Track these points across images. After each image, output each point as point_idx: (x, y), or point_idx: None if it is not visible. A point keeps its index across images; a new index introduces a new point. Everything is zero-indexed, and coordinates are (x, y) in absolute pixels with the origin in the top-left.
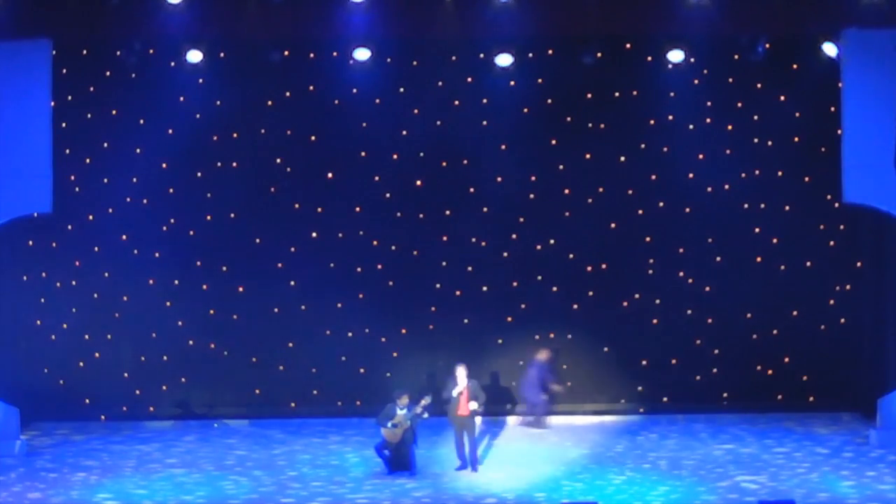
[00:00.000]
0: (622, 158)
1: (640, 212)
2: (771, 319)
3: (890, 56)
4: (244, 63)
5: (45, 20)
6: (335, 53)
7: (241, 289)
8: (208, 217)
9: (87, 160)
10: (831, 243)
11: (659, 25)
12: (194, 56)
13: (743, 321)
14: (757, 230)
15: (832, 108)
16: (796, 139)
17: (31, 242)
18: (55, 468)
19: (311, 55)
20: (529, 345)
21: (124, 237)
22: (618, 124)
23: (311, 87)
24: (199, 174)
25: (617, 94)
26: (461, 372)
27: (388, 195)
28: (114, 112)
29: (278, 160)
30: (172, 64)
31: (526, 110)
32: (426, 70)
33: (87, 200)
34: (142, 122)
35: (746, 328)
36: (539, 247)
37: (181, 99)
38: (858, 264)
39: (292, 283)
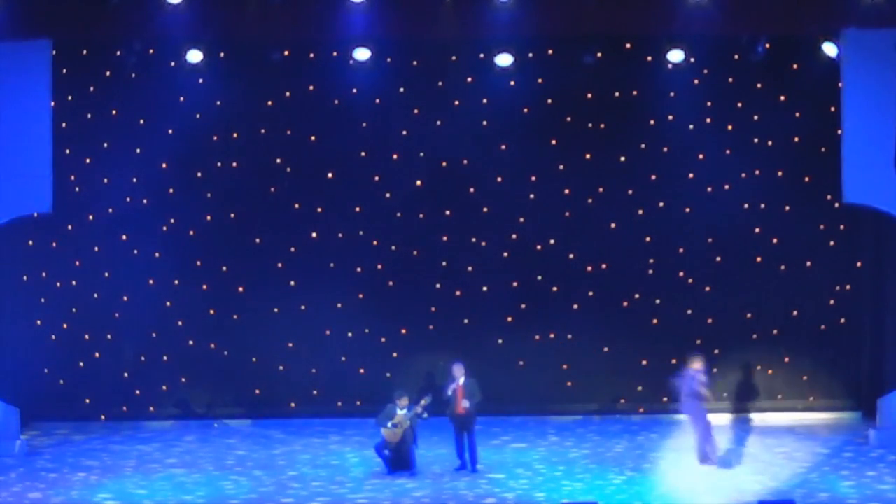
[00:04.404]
0: (622, 158)
1: (640, 212)
2: (771, 319)
3: (890, 56)
4: (244, 63)
5: (45, 20)
6: (335, 53)
7: (241, 289)
8: (208, 217)
9: (87, 160)
10: (831, 243)
11: (659, 25)
12: (194, 56)
13: (743, 321)
14: (757, 230)
15: (832, 108)
16: (796, 139)
17: (31, 242)
18: (55, 468)
19: (311, 55)
20: (530, 345)
21: (124, 237)
22: (618, 124)
23: (311, 87)
24: (199, 174)
25: (617, 94)
26: (458, 370)
27: (388, 195)
28: (114, 112)
29: (278, 160)
30: (172, 64)
31: (526, 110)
32: (426, 70)
33: (87, 200)
34: (142, 122)
35: (746, 328)
36: (539, 247)
37: (181, 99)
38: (858, 264)
39: (292, 283)
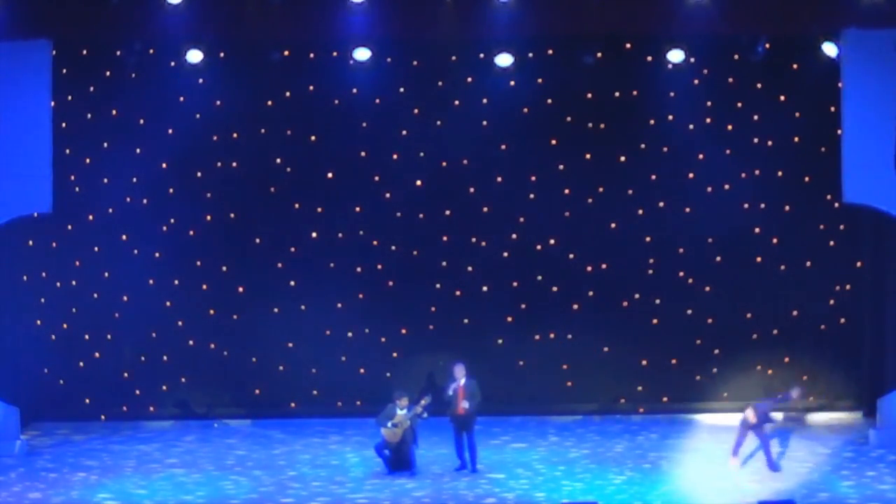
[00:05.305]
0: (622, 158)
1: (640, 212)
2: (771, 319)
3: (890, 56)
4: (244, 63)
5: (45, 20)
6: (335, 53)
7: (241, 289)
8: (208, 217)
9: (87, 160)
10: (831, 243)
11: (659, 25)
12: (194, 56)
13: (743, 321)
14: (757, 230)
15: (832, 108)
16: (796, 139)
17: (31, 242)
18: (55, 468)
19: (311, 55)
20: (530, 345)
21: (124, 237)
22: (618, 124)
23: (311, 87)
24: (199, 174)
25: (617, 94)
26: (459, 370)
27: (388, 195)
28: (114, 112)
29: (278, 160)
30: (172, 64)
31: (526, 110)
32: (426, 70)
33: (87, 200)
34: (142, 122)
35: (746, 328)
36: (539, 247)
37: (181, 99)
38: (858, 264)
39: (292, 283)
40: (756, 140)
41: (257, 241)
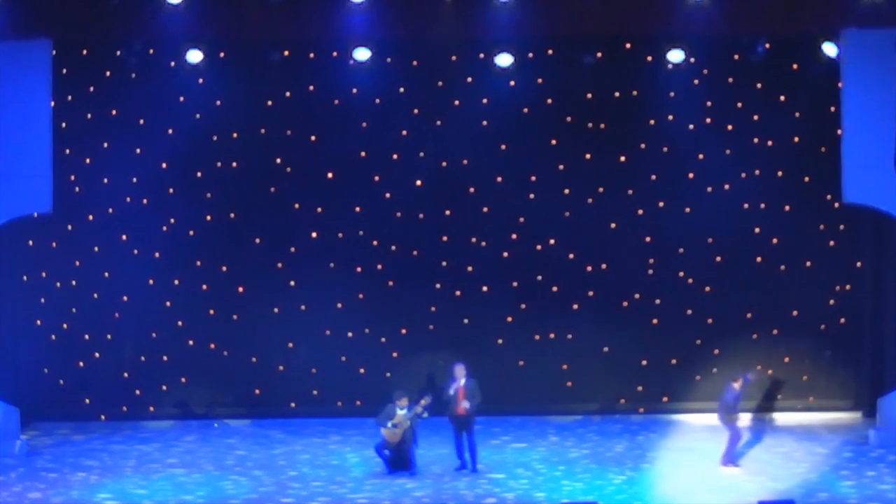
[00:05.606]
0: (622, 158)
1: (640, 212)
2: (771, 319)
3: (890, 56)
4: (244, 63)
5: (45, 20)
6: (335, 53)
7: (241, 289)
8: (208, 217)
9: (87, 160)
10: (831, 243)
11: (659, 25)
12: (194, 56)
13: (743, 321)
14: (757, 230)
15: (832, 108)
16: (796, 139)
17: (31, 242)
18: (55, 468)
19: (311, 55)
20: (530, 345)
21: (124, 237)
22: (618, 124)
23: (311, 87)
24: (199, 174)
25: (617, 94)
26: (459, 371)
27: (388, 195)
28: (114, 112)
29: (278, 160)
30: (172, 64)
31: (526, 110)
32: (426, 70)
33: (87, 200)
34: (142, 122)
35: (746, 328)
36: (539, 247)
37: (181, 99)
38: (858, 264)
39: (292, 283)
40: (756, 140)
41: (257, 241)
